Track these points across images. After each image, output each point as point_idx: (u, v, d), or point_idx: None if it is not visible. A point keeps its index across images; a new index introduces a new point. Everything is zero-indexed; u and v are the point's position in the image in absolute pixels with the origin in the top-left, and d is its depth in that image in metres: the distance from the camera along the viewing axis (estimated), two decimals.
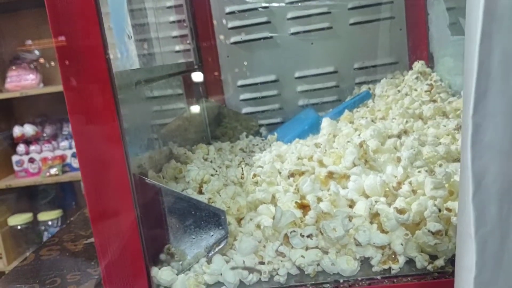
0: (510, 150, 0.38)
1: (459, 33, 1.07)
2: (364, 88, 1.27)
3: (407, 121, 0.87)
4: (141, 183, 0.60)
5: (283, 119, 1.36)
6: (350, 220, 0.60)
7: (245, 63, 1.35)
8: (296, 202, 0.64)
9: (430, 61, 1.23)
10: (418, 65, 1.17)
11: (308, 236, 0.59)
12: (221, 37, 1.33)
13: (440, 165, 0.69)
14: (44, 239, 2.39)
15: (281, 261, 0.59)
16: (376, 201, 0.63)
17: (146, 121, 1.03)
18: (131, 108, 0.80)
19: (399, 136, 0.81)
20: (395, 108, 0.99)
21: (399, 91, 1.12)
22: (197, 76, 1.31)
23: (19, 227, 2.40)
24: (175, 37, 1.32)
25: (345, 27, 1.31)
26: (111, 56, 0.56)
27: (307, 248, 0.59)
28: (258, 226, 0.64)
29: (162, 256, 0.62)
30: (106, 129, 0.56)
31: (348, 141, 0.76)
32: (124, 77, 0.71)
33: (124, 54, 1.15)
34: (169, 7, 1.31)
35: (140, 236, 0.58)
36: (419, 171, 0.65)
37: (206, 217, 0.61)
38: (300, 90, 1.35)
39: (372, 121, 0.97)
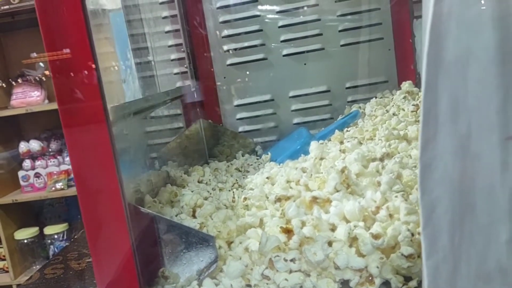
0: (460, 185, 0.43)
1: None
2: (355, 107, 1.31)
3: (389, 144, 0.92)
4: (136, 212, 0.65)
5: (278, 137, 1.41)
6: (330, 245, 0.64)
7: (241, 83, 1.40)
8: (281, 227, 0.68)
9: (417, 81, 1.27)
10: (406, 84, 1.22)
11: (291, 260, 0.64)
12: (217, 59, 1.38)
13: (417, 189, 0.74)
14: (50, 252, 2.44)
15: (267, 283, 0.64)
16: (355, 226, 0.67)
17: (145, 145, 1.08)
18: (128, 137, 0.85)
19: (381, 160, 0.86)
20: (382, 129, 1.04)
21: (387, 111, 1.17)
22: (195, 98, 1.36)
23: (25, 241, 2.45)
24: (173, 60, 1.38)
25: (336, 48, 1.36)
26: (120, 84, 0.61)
27: (290, 271, 0.64)
28: (246, 250, 0.69)
29: (157, 279, 0.67)
30: (101, 159, 0.61)
31: (332, 166, 0.81)
32: (121, 110, 0.76)
33: (128, 80, 1.21)
34: (167, 32, 1.37)
35: (135, 261, 0.63)
36: (396, 196, 0.70)
37: (197, 242, 0.66)
38: (294, 108, 1.40)
39: (360, 142, 1.02)
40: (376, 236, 0.63)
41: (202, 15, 1.36)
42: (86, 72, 0.57)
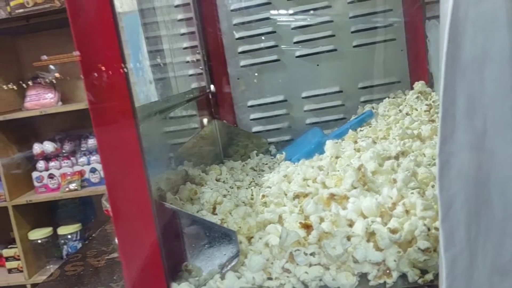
0: (475, 181, 0.45)
1: None
2: (368, 107, 1.33)
3: (404, 143, 0.93)
4: (161, 208, 0.68)
5: (291, 137, 1.42)
6: (348, 239, 0.66)
7: (255, 85, 1.42)
8: (300, 223, 0.70)
9: (430, 81, 1.29)
10: (419, 85, 1.24)
11: (311, 254, 0.66)
12: (231, 60, 1.41)
13: (433, 186, 0.76)
14: (64, 252, 2.48)
15: (287, 277, 0.66)
16: (372, 221, 0.69)
17: (165, 144, 1.11)
18: (152, 137, 0.88)
19: (396, 158, 0.88)
20: (395, 129, 1.05)
21: (400, 110, 1.19)
22: (210, 99, 1.39)
23: (39, 241, 2.49)
24: (188, 62, 1.40)
25: (349, 49, 1.37)
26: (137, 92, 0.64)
27: (310, 265, 0.66)
28: (267, 245, 0.71)
29: (181, 273, 0.69)
30: (130, 157, 0.63)
31: (348, 164, 0.83)
32: (147, 109, 0.79)
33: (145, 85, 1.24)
34: (182, 34, 1.40)
35: (161, 255, 0.65)
36: (412, 193, 0.72)
37: (219, 237, 0.68)
38: (307, 109, 1.42)
39: (374, 141, 1.04)
40: (393, 231, 0.64)
41: (217, 17, 1.38)
42: (115, 72, 0.60)
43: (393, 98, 1.30)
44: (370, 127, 1.18)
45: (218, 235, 0.68)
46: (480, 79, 0.43)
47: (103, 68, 0.61)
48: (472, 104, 0.43)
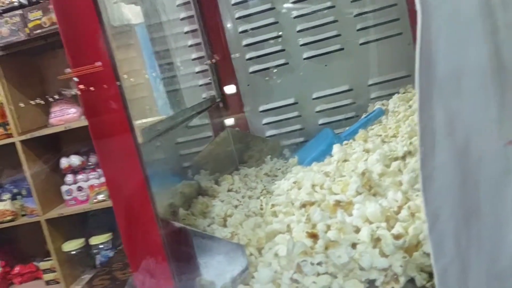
0: (461, 192, 0.45)
1: None
2: (378, 104, 1.33)
3: (410, 143, 0.93)
4: (170, 226, 0.70)
5: (305, 138, 1.43)
6: (354, 247, 0.67)
7: (265, 89, 1.44)
8: (306, 232, 0.72)
9: None
10: None
11: (318, 264, 0.67)
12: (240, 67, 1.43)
13: None
14: (97, 261, 2.55)
15: (296, 287, 0.67)
16: (377, 227, 0.70)
17: (176, 157, 1.14)
18: (159, 154, 0.91)
19: (403, 158, 0.88)
20: (404, 126, 1.05)
21: (410, 106, 1.18)
22: (220, 107, 1.41)
23: (73, 252, 2.57)
24: (198, 72, 1.43)
25: (355, 47, 1.37)
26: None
27: (318, 274, 0.67)
28: (276, 255, 0.73)
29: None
30: (133, 181, 0.66)
31: (353, 170, 0.84)
32: (152, 131, 0.82)
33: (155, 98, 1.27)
34: (190, 46, 1.42)
35: (171, 272, 0.68)
36: (417, 195, 0.72)
37: (228, 252, 0.70)
38: (319, 109, 1.42)
39: (383, 141, 1.04)
40: (397, 237, 0.65)
41: (222, 27, 1.40)
42: (109, 87, 0.62)
43: (403, 93, 1.30)
44: (380, 125, 1.18)
45: (227, 249, 0.70)
46: (458, 93, 0.43)
47: (97, 85, 0.63)
48: (451, 119, 0.43)
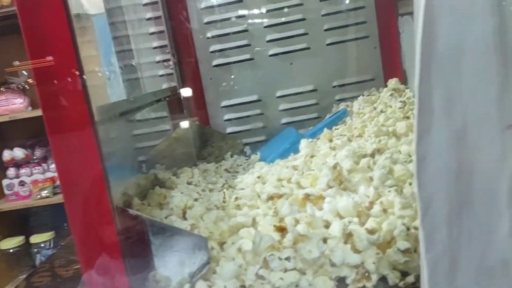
0: (456, 178, 0.42)
1: None
2: (342, 105, 1.31)
3: (380, 140, 0.91)
4: (125, 215, 0.64)
5: (267, 137, 1.39)
6: (325, 242, 0.63)
7: (228, 84, 1.39)
8: (274, 225, 0.67)
9: (404, 78, 1.28)
10: (393, 82, 1.22)
11: (286, 259, 0.62)
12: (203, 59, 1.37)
13: (410, 184, 0.73)
14: (37, 261, 2.40)
15: (262, 283, 0.62)
16: (349, 222, 0.66)
17: (132, 148, 1.06)
18: (115, 140, 0.84)
19: (372, 155, 0.85)
20: (370, 126, 1.03)
21: (374, 108, 1.17)
22: (181, 100, 1.35)
23: (11, 251, 2.40)
24: (159, 62, 1.36)
25: (322, 47, 1.35)
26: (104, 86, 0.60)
27: (285, 270, 0.63)
28: (240, 250, 0.68)
29: (147, 283, 0.65)
30: (88, 163, 0.59)
31: (323, 163, 0.80)
32: (106, 111, 0.75)
33: (112, 83, 1.19)
34: (152, 33, 1.35)
35: (125, 266, 0.61)
36: (389, 191, 0.69)
37: (188, 244, 0.64)
38: (282, 108, 1.39)
39: (349, 139, 1.01)
40: (371, 231, 0.62)
41: (187, 16, 1.35)
42: (70, 77, 0.56)
43: (368, 95, 1.29)
44: (345, 125, 1.16)
45: (187, 242, 0.64)
46: (458, 71, 0.40)
47: (57, 72, 0.57)
48: (450, 98, 0.40)
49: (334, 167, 0.75)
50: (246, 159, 1.25)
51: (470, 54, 0.40)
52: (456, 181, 0.42)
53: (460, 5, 0.39)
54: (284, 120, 1.39)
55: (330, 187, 0.74)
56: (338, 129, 1.16)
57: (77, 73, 0.57)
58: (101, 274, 0.62)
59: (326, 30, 1.34)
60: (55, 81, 0.57)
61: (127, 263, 0.61)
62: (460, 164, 0.41)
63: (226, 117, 1.40)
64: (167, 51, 1.33)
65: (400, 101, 1.09)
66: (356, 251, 0.63)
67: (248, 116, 1.40)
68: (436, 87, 0.40)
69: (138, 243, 0.65)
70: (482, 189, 0.42)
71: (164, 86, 1.35)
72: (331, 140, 1.08)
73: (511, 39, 0.39)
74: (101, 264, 0.61)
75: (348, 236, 0.65)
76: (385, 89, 1.22)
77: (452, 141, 0.41)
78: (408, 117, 1.05)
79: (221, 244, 0.72)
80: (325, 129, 1.14)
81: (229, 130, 1.40)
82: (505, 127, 0.39)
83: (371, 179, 0.76)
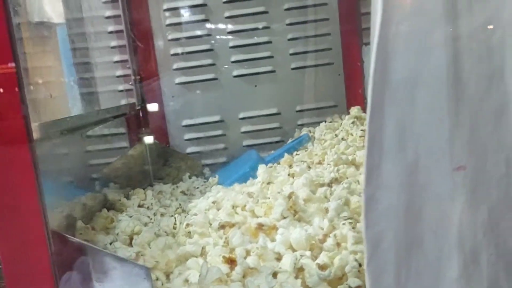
0: (405, 218, 0.40)
1: None
2: (305, 130, 1.30)
3: (338, 169, 0.90)
4: (61, 240, 0.59)
5: (227, 159, 1.36)
6: (275, 276, 0.60)
7: (190, 103, 1.36)
8: (223, 257, 0.64)
9: (365, 106, 1.27)
10: (355, 110, 1.22)
11: None
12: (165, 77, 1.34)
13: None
14: None
15: None
16: (301, 255, 0.64)
17: (83, 166, 1.01)
18: (61, 157, 0.79)
19: (330, 185, 0.84)
20: (331, 154, 1.02)
21: (336, 135, 1.16)
22: (140, 117, 1.31)
23: None
24: (119, 77, 1.32)
25: (287, 71, 1.35)
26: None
27: None
28: (186, 281, 0.64)
29: None
30: (21, 182, 0.55)
31: (279, 192, 0.78)
32: (53, 125, 0.70)
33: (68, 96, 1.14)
34: (113, 47, 1.31)
35: None
36: (344, 224, 0.67)
37: (130, 275, 0.60)
38: (244, 130, 1.37)
39: (309, 166, 1.00)
40: (322, 267, 0.59)
41: (150, 32, 1.32)
42: (6, 88, 0.52)
43: (330, 122, 1.28)
44: (306, 151, 1.15)
45: (129, 272, 0.60)
46: (412, 103, 0.39)
47: None
48: (402, 131, 0.38)
49: (289, 196, 0.73)
50: (204, 182, 1.21)
51: (424, 86, 0.38)
52: (405, 220, 0.40)
53: (415, 37, 0.38)
54: (246, 143, 1.37)
55: (284, 217, 0.71)
56: (298, 154, 1.14)
57: (15, 81, 0.53)
58: None
59: (291, 54, 1.34)
60: None
61: None
62: (411, 202, 0.39)
63: (187, 136, 1.36)
64: (128, 66, 1.29)
65: (361, 130, 1.09)
66: (307, 286, 0.60)
67: (209, 137, 1.37)
68: (389, 119, 0.38)
69: (74, 272, 0.60)
70: (432, 230, 0.41)
71: (123, 102, 1.31)
72: (291, 166, 1.06)
73: (465, 75, 0.38)
74: None
75: (299, 271, 0.62)
76: (347, 117, 1.22)
77: (403, 176, 0.39)
78: None
79: (168, 274, 0.68)
80: (286, 154, 1.12)
81: (189, 150, 1.36)
82: (454, 168, 0.38)
83: (326, 210, 0.74)
